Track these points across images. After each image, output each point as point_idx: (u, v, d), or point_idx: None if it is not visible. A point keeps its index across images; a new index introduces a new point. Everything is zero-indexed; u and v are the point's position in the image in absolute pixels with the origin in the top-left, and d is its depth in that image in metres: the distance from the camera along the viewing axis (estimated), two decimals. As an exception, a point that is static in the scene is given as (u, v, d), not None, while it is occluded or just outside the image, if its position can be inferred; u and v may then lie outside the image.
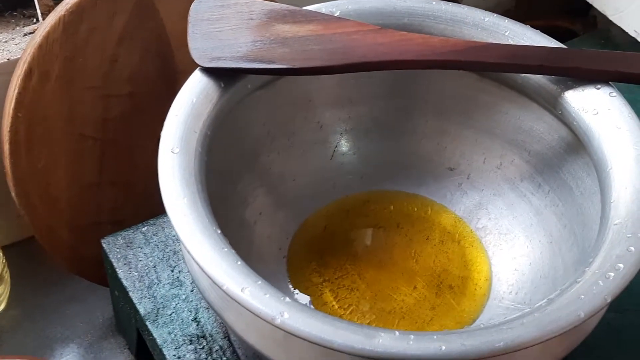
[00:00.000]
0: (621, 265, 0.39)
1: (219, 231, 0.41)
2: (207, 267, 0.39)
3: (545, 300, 0.39)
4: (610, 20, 0.72)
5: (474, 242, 0.53)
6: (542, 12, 0.81)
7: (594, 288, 0.38)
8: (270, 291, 0.38)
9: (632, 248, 0.40)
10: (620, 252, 0.40)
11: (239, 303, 0.38)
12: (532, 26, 0.51)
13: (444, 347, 0.36)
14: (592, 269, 0.39)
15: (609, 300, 0.38)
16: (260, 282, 0.38)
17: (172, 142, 0.44)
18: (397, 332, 0.37)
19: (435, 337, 0.37)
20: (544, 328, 0.37)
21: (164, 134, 0.44)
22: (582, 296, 0.38)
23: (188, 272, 0.54)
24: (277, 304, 0.37)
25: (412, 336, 0.37)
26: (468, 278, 0.51)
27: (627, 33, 0.71)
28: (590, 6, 0.74)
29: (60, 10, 0.54)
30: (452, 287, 0.51)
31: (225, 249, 0.40)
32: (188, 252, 0.40)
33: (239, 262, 0.39)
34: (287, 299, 0.38)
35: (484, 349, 0.36)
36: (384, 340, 0.36)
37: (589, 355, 0.51)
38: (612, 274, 0.39)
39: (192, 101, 0.46)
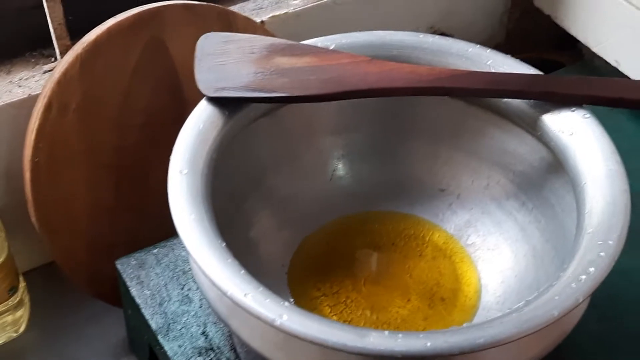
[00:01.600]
0: (592, 269, 0.43)
1: (224, 244, 0.44)
2: (213, 276, 0.43)
3: (524, 302, 0.42)
4: (594, 52, 0.77)
5: (464, 258, 0.57)
6: (532, 46, 0.85)
7: (567, 290, 0.42)
8: (270, 296, 0.42)
9: (603, 253, 0.43)
10: (592, 257, 0.43)
11: (242, 307, 0.41)
12: (522, 59, 0.55)
13: (429, 344, 0.39)
14: (567, 273, 0.43)
15: (580, 300, 0.41)
16: (261, 288, 0.42)
17: (181, 164, 0.48)
18: (386, 332, 0.40)
19: (421, 335, 0.40)
20: (521, 326, 0.40)
21: (173, 157, 0.48)
22: (557, 297, 0.42)
23: (197, 289, 0.57)
24: (277, 308, 0.41)
25: (400, 335, 0.40)
26: (459, 290, 0.55)
27: (609, 63, 0.75)
28: (577, 40, 0.79)
29: (77, 49, 0.58)
30: (443, 299, 0.54)
31: (230, 260, 0.43)
32: (196, 263, 0.44)
33: (242, 272, 0.43)
34: (287, 303, 0.41)
35: (465, 345, 0.39)
36: (374, 339, 0.40)
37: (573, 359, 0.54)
38: (584, 277, 0.42)
39: (199, 127, 0.50)
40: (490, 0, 0.82)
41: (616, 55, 0.74)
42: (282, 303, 0.41)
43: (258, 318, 0.41)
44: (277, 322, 0.40)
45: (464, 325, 0.41)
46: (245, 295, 0.41)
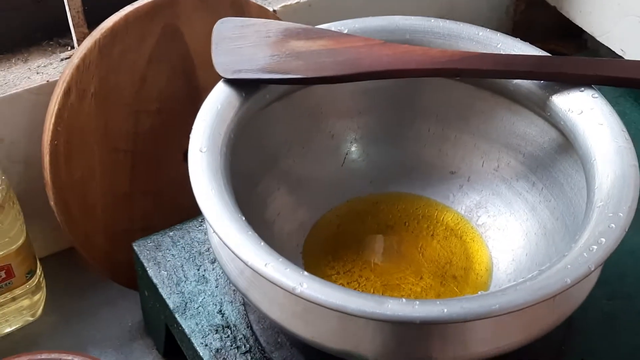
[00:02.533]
0: (603, 240, 0.44)
1: (243, 217, 0.45)
2: (234, 247, 0.44)
3: (537, 271, 0.43)
4: (599, 43, 0.78)
5: (475, 237, 0.58)
6: (537, 37, 0.87)
7: (579, 259, 0.43)
8: (290, 266, 0.43)
9: (613, 225, 0.44)
10: (603, 228, 0.44)
11: (262, 276, 0.42)
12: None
13: (445, 310, 0.41)
14: (579, 244, 0.44)
15: (592, 269, 0.43)
16: (281, 259, 0.43)
17: (201, 142, 0.49)
18: (403, 300, 0.41)
19: (438, 302, 0.41)
20: (535, 293, 0.41)
21: (193, 135, 0.49)
22: (569, 266, 0.43)
23: (213, 270, 0.59)
24: (297, 276, 0.42)
25: (417, 302, 0.41)
26: (470, 269, 0.56)
27: (614, 52, 0.76)
28: (583, 31, 0.80)
29: (95, 35, 0.59)
30: (455, 277, 0.56)
31: (250, 232, 0.45)
32: (217, 234, 0.45)
33: (262, 243, 0.44)
34: (306, 272, 0.43)
35: (481, 311, 0.41)
36: (392, 305, 0.41)
37: (585, 337, 0.55)
38: (595, 247, 0.43)
39: (217, 108, 0.51)
40: (497, -8, 0.83)
41: (622, 44, 0.75)
42: (301, 272, 0.42)
43: (279, 286, 0.42)
44: (298, 290, 0.42)
45: (479, 293, 0.42)
46: (266, 265, 0.43)
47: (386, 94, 0.59)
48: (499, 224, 0.58)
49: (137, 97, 0.62)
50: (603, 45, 0.77)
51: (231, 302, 0.57)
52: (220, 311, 0.56)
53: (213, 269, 0.59)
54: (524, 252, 0.56)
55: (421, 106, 0.60)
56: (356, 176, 0.60)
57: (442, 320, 0.41)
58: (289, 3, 0.71)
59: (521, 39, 0.56)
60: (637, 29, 0.73)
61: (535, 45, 0.56)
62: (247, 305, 0.56)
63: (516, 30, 0.86)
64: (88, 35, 0.61)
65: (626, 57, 0.75)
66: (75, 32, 0.64)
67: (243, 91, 0.53)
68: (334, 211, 0.59)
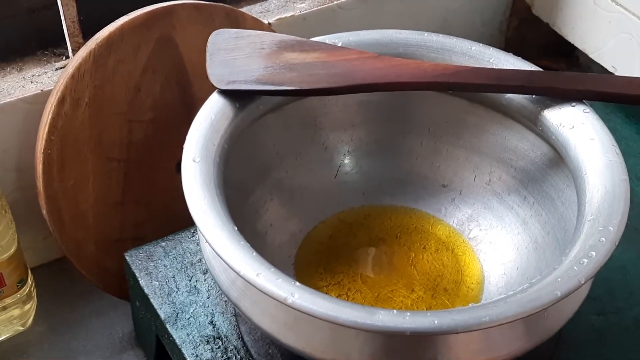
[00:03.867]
0: (594, 253, 0.44)
1: (236, 228, 0.46)
2: (226, 257, 0.44)
3: (528, 284, 0.43)
4: (591, 59, 0.79)
5: (467, 251, 0.58)
6: (530, 53, 0.87)
7: (569, 272, 0.43)
8: (282, 276, 0.43)
9: (603, 239, 0.45)
10: (593, 242, 0.45)
11: (254, 286, 0.43)
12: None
13: (436, 321, 0.41)
14: (569, 258, 0.44)
15: (582, 282, 0.43)
16: (273, 269, 0.43)
17: (194, 152, 0.49)
18: (394, 311, 0.41)
19: (428, 314, 0.41)
20: (525, 305, 0.42)
21: (187, 145, 0.49)
22: (559, 279, 0.43)
23: (204, 280, 0.59)
24: (289, 286, 0.42)
25: (408, 313, 0.41)
26: (461, 282, 0.56)
27: (606, 69, 0.77)
28: (575, 47, 0.81)
29: (90, 45, 0.60)
30: (446, 290, 0.56)
31: (242, 242, 0.45)
32: (209, 244, 0.45)
33: (254, 254, 0.44)
34: (297, 283, 0.43)
35: (471, 323, 0.41)
36: (383, 316, 0.41)
37: (574, 351, 0.55)
38: (585, 260, 0.44)
39: (211, 118, 0.51)
40: (489, 8, 0.84)
41: (613, 61, 0.76)
42: (293, 282, 0.42)
43: (271, 296, 0.42)
44: (289, 300, 0.42)
45: (470, 305, 0.43)
46: (257, 275, 0.43)
47: (379, 107, 0.60)
48: (490, 237, 0.58)
49: (131, 107, 0.62)
50: (595, 62, 0.78)
51: (223, 313, 0.57)
52: (212, 322, 0.56)
53: (205, 280, 0.59)
54: (515, 266, 0.56)
55: (414, 119, 0.60)
56: (349, 188, 0.61)
57: (432, 331, 0.41)
58: (284, 16, 0.71)
59: (514, 54, 0.57)
60: (628, 46, 0.74)
61: (528, 62, 0.56)
62: (238, 316, 0.56)
63: (509, 46, 0.87)
64: (83, 45, 0.61)
65: (617, 74, 0.76)
66: (71, 41, 0.64)
67: (237, 102, 0.53)
68: (326, 223, 0.59)
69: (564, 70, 0.85)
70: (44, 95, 0.62)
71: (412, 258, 0.58)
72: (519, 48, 0.87)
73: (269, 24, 0.70)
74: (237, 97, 0.53)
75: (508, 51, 0.57)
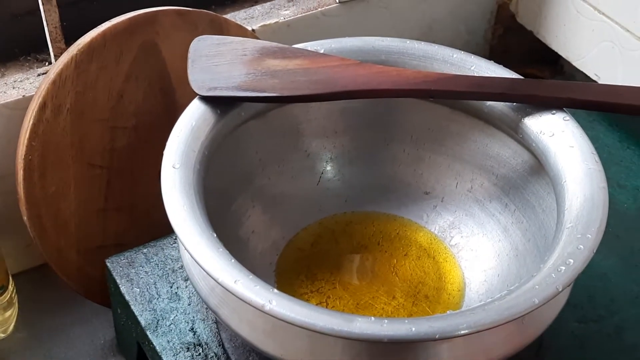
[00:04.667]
0: (572, 261, 0.44)
1: (215, 235, 0.46)
2: (204, 264, 0.44)
3: (506, 291, 0.44)
4: (575, 67, 0.79)
5: (448, 258, 0.58)
6: (514, 61, 0.88)
7: (547, 279, 0.43)
8: (260, 283, 0.43)
9: (582, 246, 0.45)
10: (572, 250, 0.45)
11: (232, 293, 0.42)
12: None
13: (413, 328, 0.41)
14: (547, 265, 0.45)
15: (560, 290, 0.43)
16: (251, 276, 0.43)
17: (174, 158, 0.49)
18: (372, 318, 0.41)
19: (406, 321, 0.41)
20: (503, 313, 0.42)
21: (167, 152, 0.49)
22: (537, 286, 0.43)
23: (186, 287, 0.58)
24: (267, 293, 0.42)
25: (385, 320, 0.41)
26: (442, 289, 0.56)
27: (589, 77, 0.77)
28: (559, 56, 0.81)
29: (72, 50, 0.60)
30: (427, 297, 0.56)
31: (221, 249, 0.45)
32: (188, 251, 0.45)
33: (233, 260, 0.44)
34: (275, 290, 0.42)
35: (449, 330, 0.41)
36: (360, 324, 0.41)
37: (555, 359, 0.55)
38: (563, 268, 0.44)
39: (191, 124, 0.51)
40: (474, 17, 0.84)
41: (596, 69, 0.76)
42: (271, 289, 0.42)
43: (248, 303, 0.42)
44: (267, 307, 0.41)
45: (448, 312, 0.43)
46: (235, 282, 0.43)
47: (362, 114, 0.60)
48: (471, 244, 0.58)
49: (114, 113, 0.62)
50: (578, 70, 0.78)
51: (203, 320, 0.57)
52: (192, 329, 0.56)
53: (186, 287, 0.58)
54: (495, 273, 0.56)
55: (396, 127, 0.60)
56: (331, 195, 0.61)
57: (410, 338, 0.41)
58: (268, 22, 0.72)
59: (498, 62, 0.57)
60: (611, 54, 0.74)
61: (512, 70, 0.57)
62: (219, 323, 0.56)
63: (493, 54, 0.87)
64: (65, 50, 0.61)
65: (601, 82, 0.76)
66: (53, 47, 0.64)
67: (218, 108, 0.53)
68: (308, 230, 0.59)
69: (548, 78, 0.86)
70: (26, 101, 0.62)
71: (394, 265, 0.58)
72: (504, 56, 0.87)
73: (253, 30, 0.71)
74: (218, 103, 0.53)
75: (493, 59, 0.57)
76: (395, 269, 0.57)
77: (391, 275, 0.57)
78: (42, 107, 0.59)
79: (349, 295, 0.55)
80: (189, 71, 0.54)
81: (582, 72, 0.78)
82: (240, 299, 0.42)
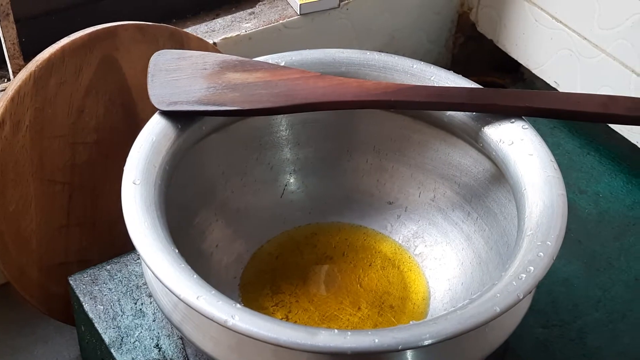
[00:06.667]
0: (532, 268, 0.44)
1: (177, 250, 0.45)
2: (166, 280, 0.43)
3: (468, 300, 0.44)
4: (536, 76, 0.80)
5: (412, 267, 0.58)
6: (477, 70, 0.89)
7: (508, 287, 0.44)
8: (222, 299, 0.43)
9: (541, 253, 0.45)
10: (532, 257, 0.45)
11: (194, 309, 0.42)
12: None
13: (377, 340, 0.41)
14: (509, 273, 0.45)
15: (521, 297, 0.43)
16: (214, 292, 0.43)
17: (134, 174, 0.49)
18: (335, 330, 0.41)
19: (369, 332, 0.41)
20: (465, 322, 0.42)
21: (127, 168, 0.49)
22: (498, 294, 0.43)
23: (150, 303, 0.58)
24: (229, 309, 0.42)
25: (349, 333, 0.41)
26: (407, 299, 0.56)
27: (548, 84, 0.78)
28: (520, 64, 0.82)
29: (31, 67, 0.59)
30: (392, 307, 0.56)
31: (183, 265, 0.44)
32: (149, 268, 0.44)
33: (195, 276, 0.44)
34: (238, 305, 0.42)
35: (412, 340, 0.41)
36: (324, 337, 0.41)
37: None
38: (524, 275, 0.44)
39: (152, 139, 0.51)
40: (436, 26, 0.85)
41: (555, 76, 0.77)
42: (233, 305, 0.42)
43: (211, 319, 0.42)
44: (230, 323, 0.41)
45: (411, 322, 0.43)
46: (197, 297, 0.42)
47: (324, 125, 0.60)
48: (435, 253, 0.58)
49: (74, 129, 0.61)
50: (539, 77, 0.79)
51: (168, 335, 0.56)
52: (157, 345, 0.56)
53: (150, 303, 0.58)
54: (459, 281, 0.56)
55: (359, 138, 0.61)
56: (295, 207, 0.61)
57: (373, 350, 0.41)
58: (229, 35, 0.71)
59: (461, 71, 0.58)
60: (569, 61, 0.75)
61: (474, 78, 0.57)
62: (184, 339, 0.55)
63: (456, 63, 0.88)
64: (24, 67, 0.60)
65: (560, 89, 0.77)
66: (11, 64, 0.63)
67: (179, 123, 0.53)
68: (272, 242, 0.59)
69: (509, 85, 0.87)
70: (-16, 119, 0.61)
71: (359, 275, 0.58)
72: (466, 64, 0.88)
73: (215, 43, 0.70)
74: (179, 118, 0.53)
75: (455, 67, 0.58)
76: (360, 279, 0.58)
77: (356, 286, 0.57)
78: (1, 124, 0.58)
79: (314, 307, 0.55)
80: (148, 86, 0.53)
81: (542, 80, 0.79)
82: (203, 315, 0.42)
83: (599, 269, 0.62)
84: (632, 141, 0.71)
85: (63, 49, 0.59)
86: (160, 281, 0.43)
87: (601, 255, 0.63)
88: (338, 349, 0.41)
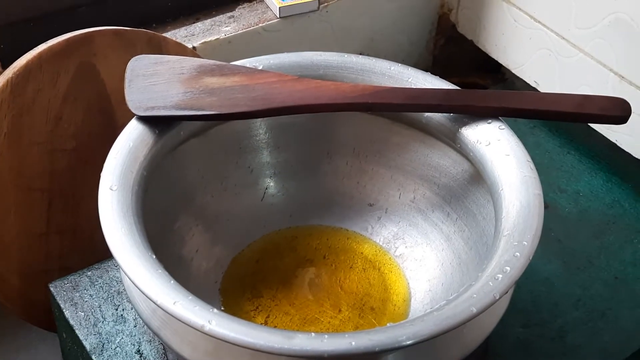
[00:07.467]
0: (508, 268, 0.45)
1: (154, 256, 0.45)
2: (143, 286, 0.43)
3: (445, 301, 0.44)
4: (516, 76, 0.80)
5: (393, 269, 0.58)
6: (458, 70, 0.89)
7: (485, 288, 0.44)
8: (199, 304, 0.43)
9: (518, 253, 0.45)
10: (508, 257, 0.45)
11: (171, 315, 0.42)
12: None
13: (353, 343, 0.41)
14: (485, 273, 0.45)
15: (497, 298, 0.43)
16: (191, 297, 0.43)
17: (111, 180, 0.49)
18: (312, 334, 0.41)
19: (346, 335, 0.41)
20: (441, 323, 0.42)
21: (104, 173, 0.49)
22: (475, 295, 0.43)
23: (131, 309, 0.58)
24: (206, 314, 0.42)
25: (326, 336, 0.41)
26: (388, 300, 0.56)
27: (529, 84, 0.78)
28: (501, 64, 0.82)
29: (7, 74, 0.59)
30: (373, 308, 0.56)
31: (160, 271, 0.44)
32: (126, 274, 0.44)
33: (172, 282, 0.44)
34: (215, 310, 0.42)
35: (389, 342, 0.41)
36: (300, 340, 0.41)
37: (500, 365, 0.56)
38: (500, 276, 0.44)
39: (129, 145, 0.51)
40: (416, 28, 0.85)
41: (535, 76, 0.78)
42: (210, 310, 0.42)
43: (187, 324, 0.42)
44: (206, 328, 0.41)
45: (388, 324, 0.43)
46: (174, 303, 0.42)
47: (303, 128, 0.60)
48: (416, 254, 0.59)
49: (53, 136, 0.61)
50: (519, 77, 0.80)
51: (150, 341, 0.56)
52: (139, 351, 0.56)
53: (131, 309, 0.58)
54: (440, 282, 0.56)
55: (338, 140, 0.61)
56: (276, 210, 0.61)
57: (350, 353, 0.41)
58: (209, 39, 0.71)
59: (442, 72, 0.58)
60: (548, 61, 0.75)
61: (456, 79, 0.57)
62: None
63: (436, 64, 0.88)
64: (1, 73, 0.60)
65: (540, 89, 0.77)
66: (-11, 71, 0.63)
67: (157, 128, 0.52)
68: (252, 246, 0.59)
69: (490, 86, 0.87)
70: (-38, 126, 0.61)
71: (340, 278, 0.58)
72: (447, 66, 0.88)
73: (194, 48, 0.70)
74: (156, 123, 0.53)
75: (436, 69, 0.58)
76: (341, 281, 0.58)
77: (337, 289, 0.57)
78: (-22, 132, 0.58)
79: (295, 310, 0.55)
80: (126, 91, 0.53)
81: (522, 80, 0.79)
82: (180, 320, 0.42)
83: (579, 268, 0.62)
84: (612, 139, 0.72)
85: (40, 55, 0.59)
86: (138, 287, 0.43)
87: (581, 254, 0.63)
88: (315, 352, 0.41)
